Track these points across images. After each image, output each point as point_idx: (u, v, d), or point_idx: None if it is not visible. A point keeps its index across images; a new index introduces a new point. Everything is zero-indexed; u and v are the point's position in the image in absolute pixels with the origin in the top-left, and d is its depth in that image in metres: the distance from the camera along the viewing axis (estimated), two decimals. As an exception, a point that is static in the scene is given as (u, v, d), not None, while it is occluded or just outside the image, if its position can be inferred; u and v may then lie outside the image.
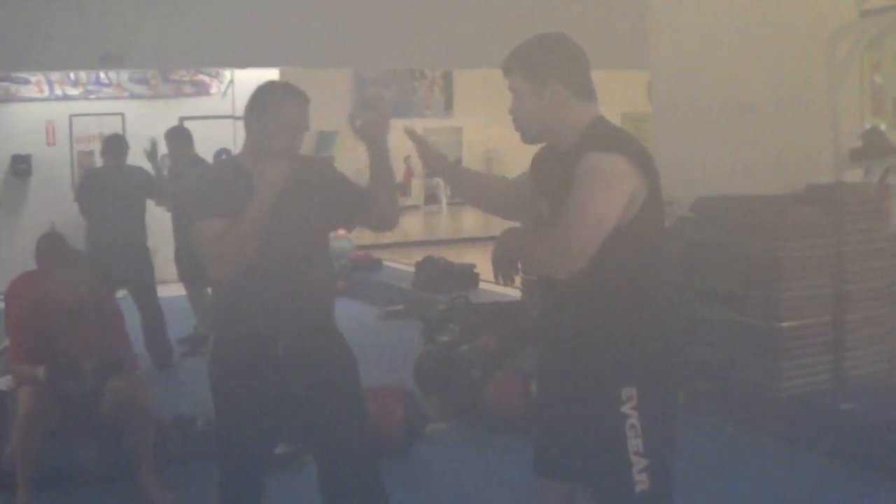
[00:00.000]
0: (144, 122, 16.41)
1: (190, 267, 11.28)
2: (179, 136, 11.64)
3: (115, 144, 11.25)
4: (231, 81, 18.09)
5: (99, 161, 11.92)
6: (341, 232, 18.91)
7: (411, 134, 4.72)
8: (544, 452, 4.22)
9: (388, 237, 20.66)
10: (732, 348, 8.17)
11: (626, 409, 3.80)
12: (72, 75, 17.48)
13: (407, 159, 20.80)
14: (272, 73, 18.38)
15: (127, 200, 10.61)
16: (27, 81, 17.29)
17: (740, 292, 8.10)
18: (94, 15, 12.17)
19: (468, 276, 14.48)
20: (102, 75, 17.54)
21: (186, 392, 9.38)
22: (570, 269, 3.70)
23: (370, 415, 7.45)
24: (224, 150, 17.85)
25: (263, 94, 4.80)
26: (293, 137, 4.70)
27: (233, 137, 17.09)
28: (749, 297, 8.03)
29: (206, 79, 18.21)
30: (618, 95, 23.19)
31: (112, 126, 17.12)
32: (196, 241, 4.65)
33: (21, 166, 17.26)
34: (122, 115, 17.61)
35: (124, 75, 17.71)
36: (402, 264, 17.58)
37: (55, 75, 17.36)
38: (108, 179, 10.92)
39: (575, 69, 3.98)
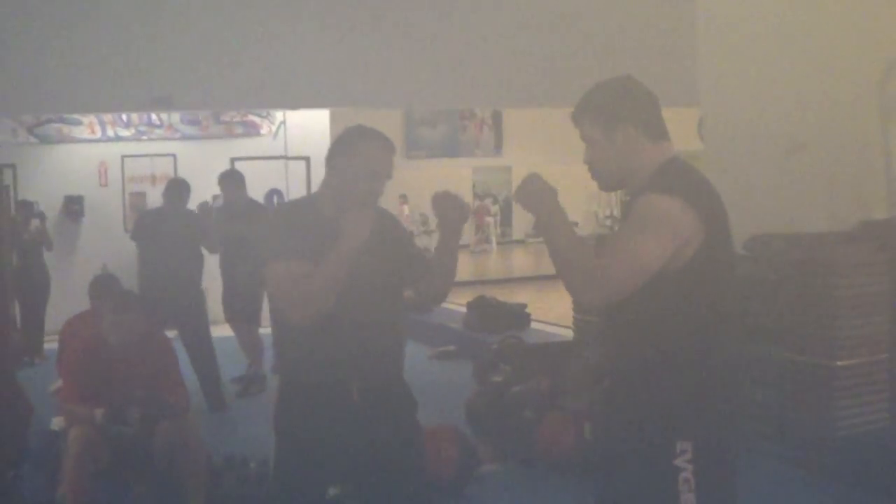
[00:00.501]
0: (196, 162, 16.55)
1: (239, 307, 11.33)
2: (232, 179, 11.66)
3: (179, 187, 11.35)
4: (283, 122, 18.19)
5: (155, 202, 11.94)
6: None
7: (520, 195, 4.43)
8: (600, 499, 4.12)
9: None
10: (787, 387, 8.09)
11: (679, 462, 3.68)
12: (124, 117, 17.64)
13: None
14: (323, 115, 18.57)
15: (182, 242, 10.67)
16: (80, 123, 17.47)
17: (795, 331, 8.03)
18: (145, 57, 12.27)
19: (520, 316, 14.44)
20: (154, 116, 17.69)
21: (238, 432, 9.40)
22: (596, 300, 3.72)
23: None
24: (275, 192, 17.96)
25: (351, 137, 4.75)
26: (376, 184, 4.67)
27: (285, 178, 17.17)
28: (804, 336, 7.96)
29: (257, 119, 18.32)
30: (671, 132, 23.25)
31: (164, 167, 17.28)
32: (271, 281, 4.61)
33: (74, 207, 17.44)
34: (173, 155, 17.75)
35: (176, 116, 17.85)
36: (453, 304, 17.55)
37: (107, 117, 17.53)
38: (164, 220, 10.98)
39: (644, 109, 3.91)
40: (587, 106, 3.93)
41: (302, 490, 4.75)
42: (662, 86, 13.50)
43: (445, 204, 4.76)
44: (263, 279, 4.72)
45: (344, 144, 4.71)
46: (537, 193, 3.86)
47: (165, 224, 10.87)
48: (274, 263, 4.55)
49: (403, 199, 31.26)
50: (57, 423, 7.19)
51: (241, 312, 11.44)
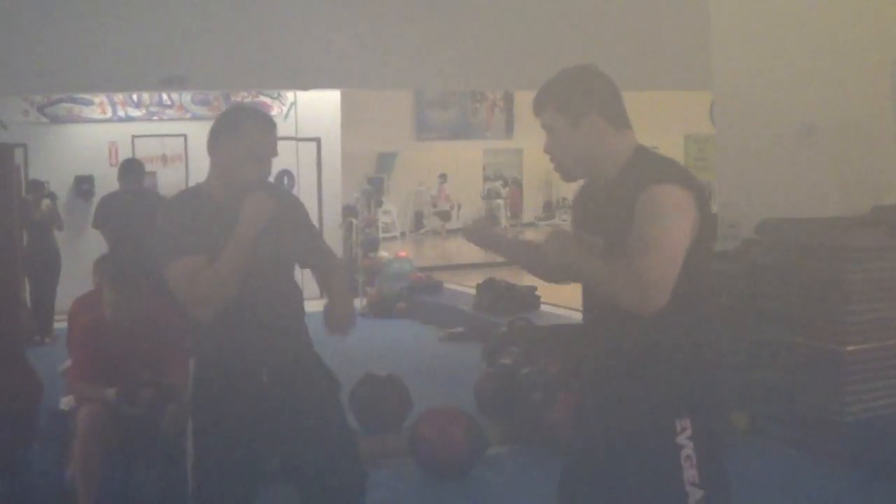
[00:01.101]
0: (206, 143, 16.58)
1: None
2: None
3: (134, 168, 11.11)
4: (293, 103, 18.20)
5: (166, 182, 11.69)
6: (402, 253, 18.99)
7: (469, 235, 4.46)
8: (576, 481, 4.08)
9: (447, 259, 20.69)
10: (796, 372, 8.08)
11: (681, 439, 3.69)
12: (134, 97, 17.67)
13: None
14: (334, 96, 18.57)
15: (148, 223, 10.49)
16: (90, 103, 17.50)
17: (805, 315, 8.01)
18: (157, 36, 12.25)
19: (529, 298, 14.46)
20: (165, 97, 17.71)
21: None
22: (656, 306, 3.58)
23: (433, 437, 7.53)
24: (286, 172, 17.96)
25: (230, 118, 4.68)
26: (262, 165, 4.61)
27: (296, 159, 17.17)
28: (814, 321, 7.94)
29: (268, 100, 18.34)
30: (680, 116, 23.20)
31: (174, 147, 17.31)
32: (170, 281, 4.50)
33: (84, 187, 17.47)
34: (184, 136, 17.78)
35: (187, 97, 17.87)
36: (462, 286, 17.58)
37: (118, 97, 17.55)
38: (125, 203, 10.66)
39: (609, 98, 3.87)
40: (551, 94, 3.88)
41: (221, 477, 4.65)
42: (674, 69, 13.53)
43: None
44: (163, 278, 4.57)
45: (223, 127, 4.62)
46: (563, 252, 3.81)
47: (127, 207, 10.55)
48: (169, 262, 4.46)
49: (443, 178, 31.22)
50: (66, 402, 7.19)
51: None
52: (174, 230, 4.54)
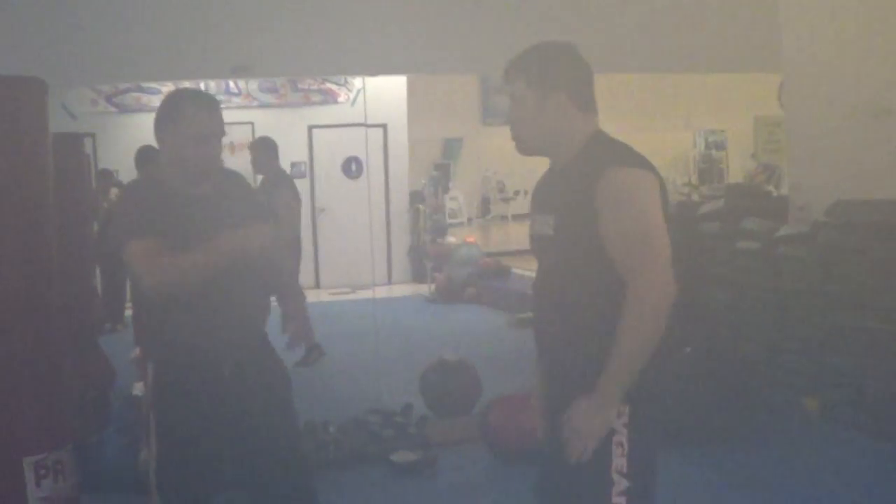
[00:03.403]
0: (273, 130, 16.62)
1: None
2: (265, 147, 11.29)
3: (148, 156, 10.77)
4: (360, 90, 18.25)
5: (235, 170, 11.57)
6: (470, 238, 18.98)
7: None
8: (541, 476, 3.98)
9: (515, 244, 20.65)
10: (868, 356, 7.98)
11: (616, 424, 3.54)
12: (202, 85, 17.78)
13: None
14: (400, 82, 18.60)
15: None
16: (158, 92, 17.63)
17: (876, 298, 7.92)
18: (224, 25, 12.32)
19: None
20: (232, 84, 17.82)
21: (303, 401, 9.44)
22: (672, 294, 3.45)
23: (499, 423, 7.52)
24: (353, 158, 18.03)
25: (173, 101, 4.56)
26: (209, 146, 4.46)
27: (364, 145, 17.22)
28: (886, 304, 7.84)
29: (334, 87, 18.40)
30: (748, 99, 23.01)
31: (241, 135, 17.38)
32: (129, 259, 4.36)
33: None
34: (251, 124, 17.88)
35: (253, 84, 17.96)
36: (530, 271, 17.54)
37: (185, 85, 17.67)
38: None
39: (580, 79, 3.76)
40: (523, 66, 3.78)
41: (183, 475, 4.57)
42: (743, 51, 13.41)
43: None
44: (124, 261, 4.44)
45: (166, 111, 4.52)
46: (591, 427, 3.53)
47: None
48: (129, 242, 4.34)
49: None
50: (139, 388, 7.24)
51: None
52: (132, 213, 4.43)
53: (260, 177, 11.34)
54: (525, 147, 3.83)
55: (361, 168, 18.34)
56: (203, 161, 4.45)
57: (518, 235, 26.86)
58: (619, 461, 3.54)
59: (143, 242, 4.29)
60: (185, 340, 4.48)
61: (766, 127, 18.75)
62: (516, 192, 30.95)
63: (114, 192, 14.72)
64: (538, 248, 3.82)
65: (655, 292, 3.44)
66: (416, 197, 19.66)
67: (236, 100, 18.14)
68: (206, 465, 4.60)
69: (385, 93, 18.42)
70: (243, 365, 4.55)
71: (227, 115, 4.42)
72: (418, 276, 19.00)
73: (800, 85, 9.60)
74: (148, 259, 4.28)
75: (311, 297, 12.23)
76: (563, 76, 3.73)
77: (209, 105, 4.54)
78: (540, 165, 3.93)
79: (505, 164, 31.35)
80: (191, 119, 4.43)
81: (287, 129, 17.22)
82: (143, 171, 10.63)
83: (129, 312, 13.63)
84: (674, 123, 26.54)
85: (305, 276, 11.89)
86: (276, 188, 10.66)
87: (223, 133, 4.53)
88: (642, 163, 3.60)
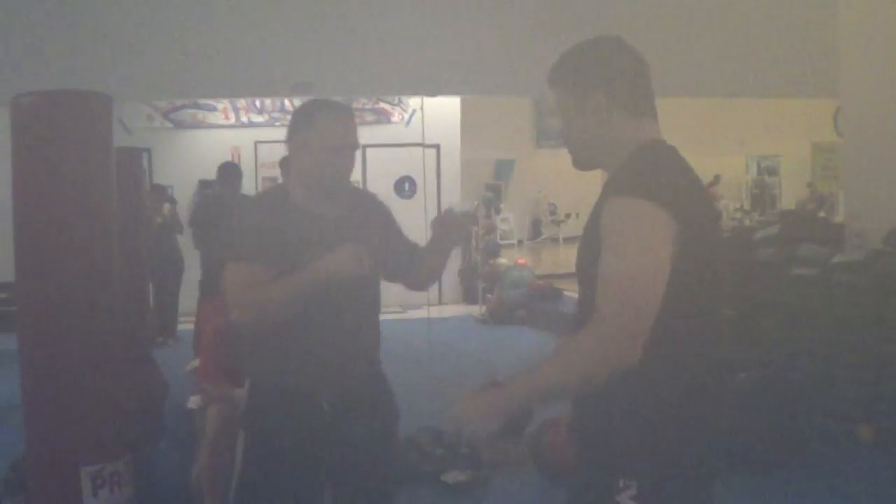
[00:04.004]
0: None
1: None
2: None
3: (232, 172, 11.05)
4: (414, 111, 18.32)
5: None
6: (521, 260, 18.97)
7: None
8: None
9: (565, 267, 20.62)
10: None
11: (622, 497, 3.09)
12: (257, 103, 17.89)
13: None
14: (454, 103, 18.64)
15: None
16: (214, 108, 17.76)
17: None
18: (282, 43, 12.40)
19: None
20: (287, 103, 17.91)
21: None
22: (629, 357, 2.89)
23: (551, 445, 7.51)
24: (407, 178, 18.06)
25: (306, 111, 4.32)
26: (341, 159, 4.24)
27: (419, 165, 17.26)
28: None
29: (388, 107, 18.46)
30: (805, 124, 22.91)
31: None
32: (223, 282, 4.22)
33: (207, 191, 17.71)
34: (305, 142, 17.95)
35: (308, 103, 18.05)
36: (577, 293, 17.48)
37: (241, 103, 17.80)
38: (225, 208, 10.40)
39: (623, 77, 3.24)
40: (560, 70, 3.33)
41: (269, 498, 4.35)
42: (800, 76, 13.32)
43: (448, 222, 4.48)
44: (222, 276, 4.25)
45: (299, 121, 4.29)
46: (476, 412, 3.29)
47: (227, 211, 10.44)
48: (228, 262, 4.20)
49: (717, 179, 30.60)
50: (194, 401, 7.28)
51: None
52: (244, 231, 4.28)
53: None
54: (577, 161, 3.39)
55: (415, 188, 18.38)
56: (334, 174, 4.24)
57: (569, 258, 26.82)
58: None
59: (240, 269, 4.16)
60: (281, 364, 4.26)
61: (823, 153, 18.67)
62: (567, 215, 30.93)
63: (167, 207, 14.83)
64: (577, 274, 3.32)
65: (609, 335, 2.91)
66: (468, 218, 19.66)
67: (291, 117, 18.26)
68: (287, 495, 4.33)
69: (439, 113, 18.45)
70: (346, 395, 4.30)
71: (282, 133, 4.35)
72: (469, 297, 19.00)
73: (858, 111, 9.56)
74: (236, 290, 4.16)
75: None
76: (600, 76, 3.23)
77: (343, 115, 4.32)
78: (593, 187, 3.74)
79: (557, 186, 31.37)
80: (324, 128, 4.21)
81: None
82: (229, 186, 10.73)
83: (181, 326, 13.71)
84: (728, 148, 26.47)
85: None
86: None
87: (357, 145, 4.30)
88: (651, 191, 2.98)
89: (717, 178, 28.65)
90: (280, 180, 10.93)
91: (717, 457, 3.24)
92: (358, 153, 4.40)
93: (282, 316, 4.10)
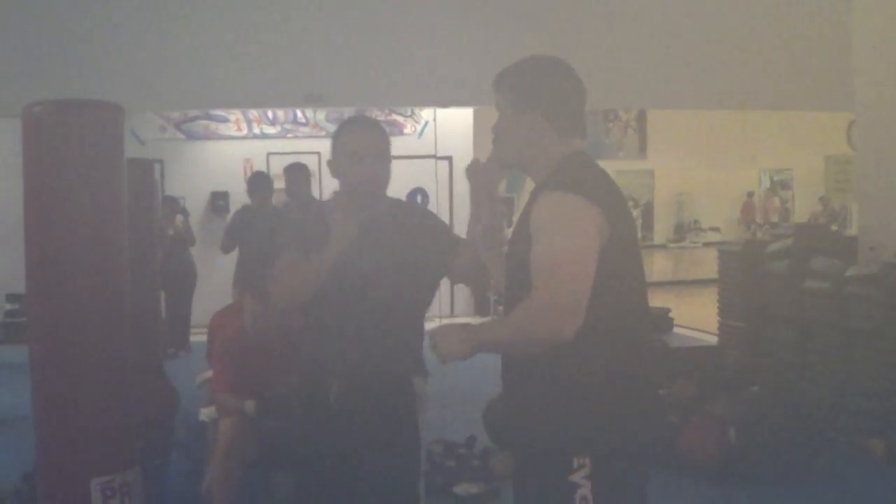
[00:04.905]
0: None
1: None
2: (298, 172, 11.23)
3: (260, 183, 11.18)
4: (427, 122, 18.33)
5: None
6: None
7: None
8: None
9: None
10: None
11: (576, 477, 3.27)
12: (269, 114, 17.89)
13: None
14: (467, 114, 18.63)
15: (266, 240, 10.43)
16: (226, 120, 17.77)
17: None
18: (294, 54, 12.40)
19: (663, 320, 14.31)
20: (299, 114, 17.92)
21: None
22: (571, 325, 3.14)
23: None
24: (419, 189, 18.04)
25: (338, 127, 4.59)
26: (360, 166, 4.40)
27: (431, 177, 17.26)
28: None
29: (401, 119, 18.46)
30: (819, 138, 22.87)
31: (308, 164, 17.47)
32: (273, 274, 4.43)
33: (219, 203, 17.75)
34: (318, 153, 17.94)
35: (321, 114, 18.05)
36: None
37: (253, 114, 17.80)
38: (259, 217, 10.72)
39: (561, 101, 3.55)
40: (509, 79, 3.62)
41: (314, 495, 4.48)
42: (815, 90, 13.30)
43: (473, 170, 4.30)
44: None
45: (334, 134, 4.55)
46: (452, 341, 3.36)
47: (254, 222, 10.65)
48: (276, 259, 4.42)
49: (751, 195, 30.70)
50: (206, 413, 7.27)
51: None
52: (287, 231, 4.61)
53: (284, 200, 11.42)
54: (504, 159, 3.73)
55: (427, 199, 18.37)
56: (359, 181, 4.41)
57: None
58: None
59: (280, 259, 4.38)
60: (302, 359, 4.58)
61: (837, 166, 18.63)
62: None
63: (179, 219, 14.84)
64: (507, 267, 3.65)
65: (555, 308, 3.16)
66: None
67: (304, 129, 18.24)
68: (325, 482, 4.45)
69: (451, 125, 18.45)
70: (355, 392, 4.38)
71: (295, 145, 4.46)
72: (480, 309, 18.98)
73: (872, 124, 9.54)
74: (279, 275, 4.38)
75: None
76: (542, 95, 3.54)
77: (365, 125, 4.59)
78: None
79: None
80: (346, 137, 4.46)
81: (353, 159, 17.26)
82: (258, 197, 10.80)
83: (193, 338, 13.71)
84: (740, 161, 26.44)
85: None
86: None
87: (377, 154, 4.45)
88: (582, 188, 3.32)
89: (750, 194, 28.65)
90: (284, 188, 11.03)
91: (659, 440, 3.55)
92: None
93: (305, 291, 4.31)
